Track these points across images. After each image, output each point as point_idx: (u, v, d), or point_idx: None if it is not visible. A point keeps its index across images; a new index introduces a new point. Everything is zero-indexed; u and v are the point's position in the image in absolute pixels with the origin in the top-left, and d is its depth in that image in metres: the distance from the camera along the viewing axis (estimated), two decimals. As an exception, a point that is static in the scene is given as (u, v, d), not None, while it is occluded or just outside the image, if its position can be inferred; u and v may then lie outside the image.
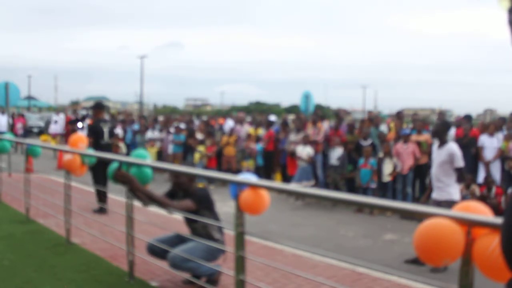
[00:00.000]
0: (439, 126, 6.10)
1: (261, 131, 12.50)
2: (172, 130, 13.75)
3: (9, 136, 9.02)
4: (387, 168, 9.23)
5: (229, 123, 14.48)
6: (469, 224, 2.21)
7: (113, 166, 4.40)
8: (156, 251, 4.20)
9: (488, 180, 8.69)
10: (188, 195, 4.14)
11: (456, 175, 5.70)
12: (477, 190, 8.47)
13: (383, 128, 10.89)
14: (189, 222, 4.21)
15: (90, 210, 7.40)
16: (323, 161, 10.43)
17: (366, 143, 9.89)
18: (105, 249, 5.27)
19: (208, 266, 3.96)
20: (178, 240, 4.21)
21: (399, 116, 10.95)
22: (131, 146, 14.08)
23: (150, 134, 14.11)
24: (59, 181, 7.97)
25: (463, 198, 8.10)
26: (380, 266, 4.68)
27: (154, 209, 6.04)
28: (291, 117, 18.87)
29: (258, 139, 11.91)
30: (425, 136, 9.40)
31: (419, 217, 2.52)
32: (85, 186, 9.05)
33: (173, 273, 4.26)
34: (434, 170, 5.84)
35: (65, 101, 68.56)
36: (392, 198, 8.91)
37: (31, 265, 4.78)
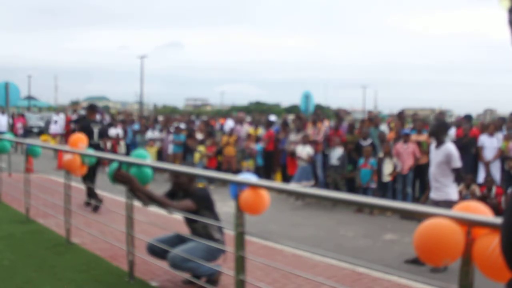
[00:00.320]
0: (437, 126, 6.10)
1: (261, 131, 12.51)
2: (172, 130, 13.76)
3: (9, 136, 9.02)
4: (387, 168, 9.24)
5: (229, 123, 14.49)
6: (469, 224, 2.21)
7: (113, 166, 4.40)
8: (156, 251, 4.20)
9: (488, 180, 8.69)
10: (188, 195, 4.14)
11: (454, 175, 5.71)
12: (477, 190, 8.47)
13: (383, 128, 10.89)
14: (189, 222, 4.21)
15: (89, 209, 7.40)
16: (323, 161, 10.43)
17: (366, 143, 9.89)
18: (105, 249, 5.27)
19: (208, 266, 3.97)
20: (178, 240, 4.21)
21: (400, 116, 10.95)
22: (131, 146, 14.09)
23: (150, 134, 14.12)
24: (59, 181, 7.97)
25: (463, 198, 8.11)
26: (380, 266, 4.69)
27: (154, 209, 6.04)
28: (291, 117, 18.87)
29: (258, 139, 11.92)
30: (425, 136, 9.40)
31: (419, 217, 2.52)
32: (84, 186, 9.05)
33: (173, 273, 4.26)
34: (432, 171, 5.86)
35: (65, 101, 68.57)
36: (392, 198, 8.91)
37: (31, 265, 4.78)
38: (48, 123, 21.69)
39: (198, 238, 4.02)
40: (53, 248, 5.36)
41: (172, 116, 19.56)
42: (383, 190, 9.34)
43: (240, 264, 3.34)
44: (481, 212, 2.27)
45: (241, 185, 3.40)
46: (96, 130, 7.98)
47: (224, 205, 6.38)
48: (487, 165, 9.23)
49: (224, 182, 8.47)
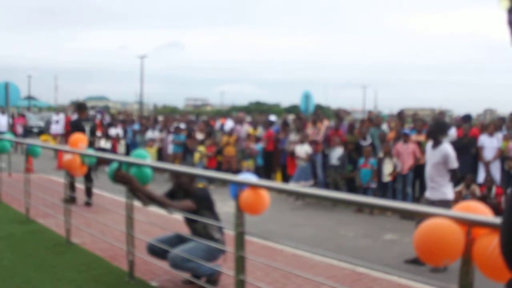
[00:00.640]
0: (434, 126, 6.08)
1: (260, 131, 12.53)
2: (172, 130, 13.76)
3: (9, 136, 9.02)
4: (387, 168, 9.24)
5: (228, 124, 14.49)
6: (469, 224, 2.21)
7: (113, 166, 4.40)
8: (156, 251, 4.20)
9: (488, 180, 8.69)
10: (189, 195, 4.14)
11: (450, 175, 5.72)
12: (477, 190, 8.48)
13: (384, 128, 10.90)
14: (189, 222, 4.21)
15: (90, 209, 7.41)
16: (323, 161, 10.43)
17: (366, 143, 9.89)
18: (105, 249, 5.27)
19: (208, 266, 3.97)
20: (178, 240, 4.21)
21: (400, 116, 10.96)
22: (131, 146, 14.09)
23: (150, 134, 14.12)
24: (59, 181, 7.97)
25: (463, 198, 8.12)
26: (380, 266, 4.69)
27: (154, 209, 6.04)
28: (291, 117, 18.86)
29: (257, 139, 11.92)
30: (425, 136, 9.40)
31: (419, 217, 2.52)
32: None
33: (173, 273, 4.26)
34: (428, 170, 5.86)
35: (65, 101, 68.45)
36: (392, 198, 8.91)
37: (31, 265, 4.78)
38: (48, 123, 21.69)
39: (198, 238, 4.02)
40: (53, 248, 5.36)
41: (172, 116, 19.55)
42: (383, 190, 9.34)
43: (240, 264, 3.34)
44: (481, 212, 2.27)
45: (241, 185, 3.40)
46: (87, 128, 8.24)
47: (224, 205, 6.38)
48: (487, 165, 9.23)
49: (224, 182, 8.47)
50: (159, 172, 9.63)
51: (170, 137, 13.41)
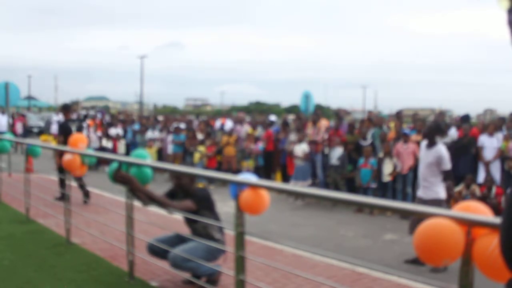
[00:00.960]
0: (430, 128, 6.06)
1: (259, 131, 12.54)
2: (172, 130, 13.76)
3: (9, 136, 9.02)
4: (387, 168, 9.24)
5: (228, 124, 14.51)
6: (469, 224, 2.21)
7: (113, 166, 4.40)
8: (156, 251, 4.20)
9: (488, 180, 8.69)
10: (189, 195, 4.14)
11: (443, 176, 5.75)
12: (477, 190, 8.48)
13: (384, 128, 10.90)
14: (190, 222, 4.21)
15: (90, 209, 7.41)
16: (323, 161, 10.43)
17: (366, 143, 9.89)
18: (105, 249, 5.28)
19: (209, 266, 3.97)
20: (178, 240, 4.21)
21: (398, 116, 10.98)
22: (131, 146, 14.09)
23: (150, 134, 14.12)
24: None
25: (463, 198, 8.12)
26: (380, 266, 4.69)
27: (154, 209, 6.04)
28: (291, 117, 18.87)
29: (256, 139, 11.94)
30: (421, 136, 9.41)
31: (419, 217, 2.52)
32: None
33: (173, 273, 4.26)
34: (421, 170, 5.89)
35: (65, 101, 68.48)
36: (392, 198, 8.91)
37: (31, 265, 4.78)
38: (48, 123, 21.70)
39: (198, 238, 4.02)
40: (53, 248, 5.36)
41: (172, 116, 19.55)
42: (383, 190, 9.34)
43: (240, 264, 3.34)
44: (481, 212, 2.27)
45: (241, 185, 3.40)
46: (73, 128, 8.68)
47: (224, 205, 6.38)
48: (487, 165, 9.23)
49: (224, 182, 8.47)
50: (159, 172, 9.63)
51: (170, 137, 13.41)
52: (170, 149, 13.31)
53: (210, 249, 4.00)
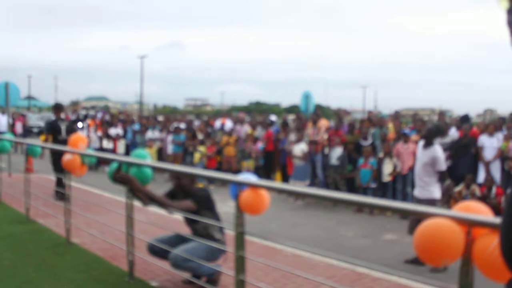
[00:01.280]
0: (431, 131, 6.05)
1: (259, 131, 12.54)
2: (172, 130, 13.76)
3: (9, 136, 9.02)
4: (387, 168, 9.24)
5: (228, 124, 14.51)
6: (469, 224, 2.21)
7: (113, 166, 4.40)
8: (156, 251, 4.19)
9: (488, 180, 8.69)
10: (189, 195, 4.13)
11: (438, 176, 5.77)
12: (477, 190, 8.48)
13: (385, 128, 10.92)
14: (190, 222, 4.21)
15: (90, 209, 7.41)
16: (323, 161, 10.44)
17: (366, 143, 9.89)
18: (105, 249, 5.28)
19: (209, 266, 3.97)
20: (178, 240, 4.21)
21: (396, 116, 11.05)
22: (131, 146, 14.09)
23: (150, 134, 14.12)
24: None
25: (463, 198, 8.12)
26: (380, 266, 4.69)
27: (154, 209, 6.04)
28: (291, 117, 18.87)
29: (255, 139, 11.94)
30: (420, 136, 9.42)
31: (419, 217, 2.52)
32: (84, 186, 9.06)
33: (173, 273, 4.26)
34: (417, 169, 5.93)
35: (65, 101, 68.41)
36: (392, 198, 8.92)
37: (31, 265, 4.78)
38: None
39: (199, 238, 4.02)
40: (53, 248, 5.36)
41: (173, 116, 19.54)
42: (383, 190, 9.34)
43: (240, 264, 3.34)
44: (481, 212, 2.27)
45: (241, 185, 3.40)
46: (63, 127, 8.75)
47: (224, 205, 6.38)
48: (487, 165, 9.23)
49: (224, 182, 8.47)
50: (159, 172, 9.63)
51: (170, 137, 13.41)
52: (170, 149, 13.31)
53: (210, 249, 4.00)
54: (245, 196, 3.35)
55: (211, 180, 10.82)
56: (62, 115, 9.41)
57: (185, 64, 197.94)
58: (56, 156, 7.90)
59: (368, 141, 9.98)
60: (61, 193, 7.92)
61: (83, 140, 6.05)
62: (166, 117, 17.50)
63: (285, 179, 10.98)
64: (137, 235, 4.38)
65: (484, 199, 8.06)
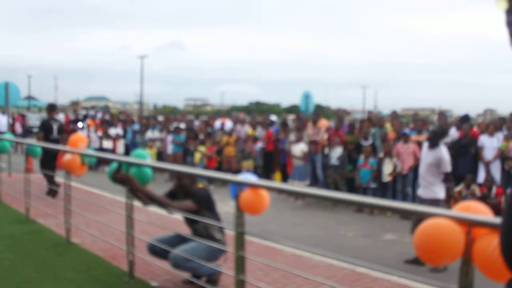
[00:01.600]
0: (435, 133, 6.05)
1: (259, 131, 12.54)
2: (172, 130, 13.77)
3: (9, 136, 9.03)
4: (387, 168, 9.24)
5: (228, 124, 14.51)
6: (469, 224, 2.21)
7: (113, 166, 4.40)
8: (156, 251, 4.19)
9: (488, 180, 8.69)
10: (189, 195, 4.13)
11: (443, 176, 5.77)
12: (477, 190, 8.47)
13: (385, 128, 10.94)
14: (190, 222, 4.21)
15: (90, 209, 7.41)
16: (323, 161, 10.44)
17: (366, 143, 9.89)
18: (105, 249, 5.27)
19: (209, 266, 3.97)
20: (179, 240, 4.21)
21: (393, 116, 11.08)
22: (131, 146, 14.09)
23: (150, 134, 14.12)
24: (59, 181, 7.97)
25: (463, 198, 8.12)
26: (380, 266, 4.68)
27: (154, 209, 6.04)
28: (291, 117, 18.86)
29: (255, 139, 11.93)
30: (425, 136, 9.41)
31: (420, 217, 2.52)
32: (84, 186, 9.06)
33: (173, 273, 4.26)
34: (422, 170, 5.93)
35: (65, 101, 68.49)
36: (392, 198, 8.92)
37: (31, 265, 4.78)
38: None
39: (199, 238, 4.02)
40: (53, 248, 5.36)
41: (173, 116, 19.54)
42: (383, 190, 9.34)
43: (240, 264, 3.34)
44: (481, 212, 2.27)
45: (241, 185, 3.40)
46: (55, 126, 8.99)
47: (224, 205, 6.38)
48: (487, 165, 9.23)
49: (224, 182, 8.47)
50: (159, 172, 9.63)
51: (170, 137, 13.41)
52: (170, 149, 13.31)
53: (210, 249, 4.00)
54: (245, 196, 3.35)
55: (211, 180, 10.82)
56: (57, 116, 9.64)
57: (185, 64, 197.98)
58: (46, 154, 8.09)
59: (368, 141, 9.98)
60: (53, 190, 8.12)
61: (83, 140, 6.05)
62: (166, 117, 17.51)
63: (285, 179, 10.98)
64: (137, 235, 4.37)
65: (484, 199, 8.06)
